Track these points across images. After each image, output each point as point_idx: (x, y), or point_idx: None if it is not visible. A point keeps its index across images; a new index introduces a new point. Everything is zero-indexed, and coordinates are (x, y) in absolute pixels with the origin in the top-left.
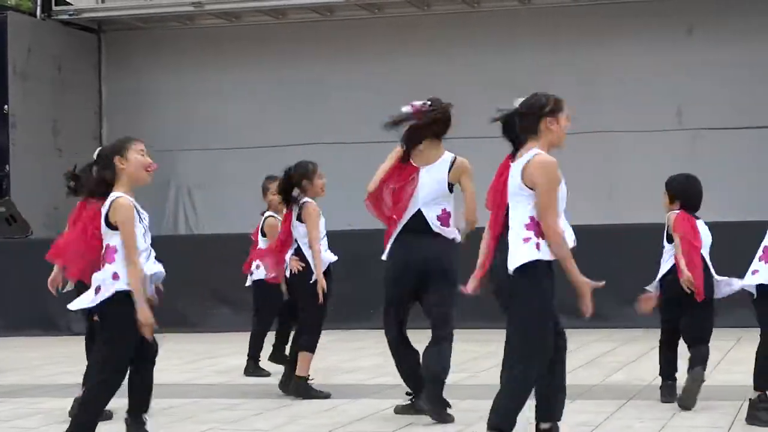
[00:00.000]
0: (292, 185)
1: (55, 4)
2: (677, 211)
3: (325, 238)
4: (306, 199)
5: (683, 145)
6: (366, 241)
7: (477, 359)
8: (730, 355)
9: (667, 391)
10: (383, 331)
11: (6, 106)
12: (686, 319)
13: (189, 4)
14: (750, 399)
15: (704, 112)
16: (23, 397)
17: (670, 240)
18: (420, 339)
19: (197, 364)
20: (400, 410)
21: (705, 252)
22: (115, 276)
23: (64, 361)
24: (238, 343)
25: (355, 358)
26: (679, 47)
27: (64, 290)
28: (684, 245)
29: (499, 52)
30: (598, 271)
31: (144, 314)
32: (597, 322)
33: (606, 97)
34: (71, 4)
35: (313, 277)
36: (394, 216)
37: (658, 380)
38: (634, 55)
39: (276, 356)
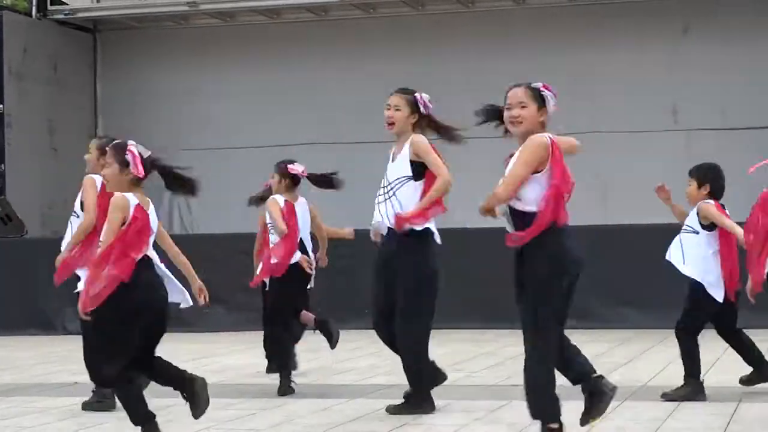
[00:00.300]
0: None
1: (51, 4)
2: (711, 201)
3: None
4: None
5: (678, 145)
6: (363, 241)
7: (474, 359)
8: (725, 356)
9: (702, 389)
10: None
11: (1, 106)
12: (728, 314)
13: (184, 3)
14: None
15: (700, 112)
16: (18, 395)
17: (709, 228)
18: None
19: (192, 363)
20: (392, 410)
21: None
22: None
23: (59, 360)
24: (233, 343)
25: (350, 359)
26: (674, 47)
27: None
28: (724, 232)
29: (494, 52)
30: (592, 271)
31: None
32: (590, 322)
33: (601, 96)
34: (66, 4)
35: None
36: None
37: (656, 380)
38: (630, 54)
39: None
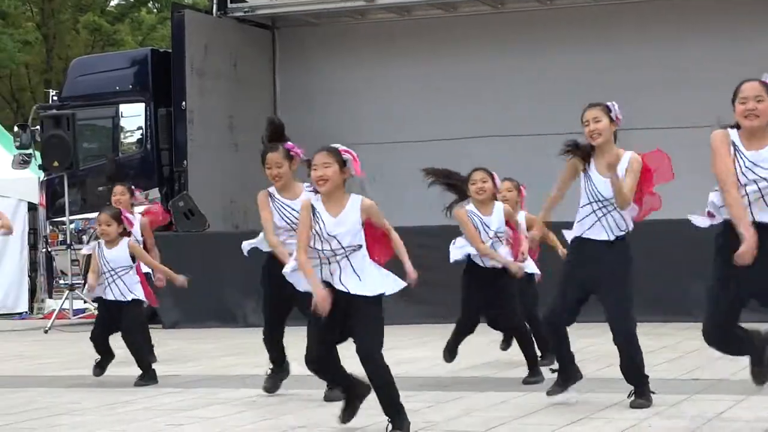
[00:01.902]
0: None
1: (231, 2)
2: None
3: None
4: None
5: None
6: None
7: (654, 353)
8: None
9: None
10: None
11: (184, 103)
12: None
13: None
14: None
15: None
16: (201, 387)
17: None
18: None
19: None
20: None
21: None
22: None
23: (241, 352)
24: (412, 336)
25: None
26: None
27: None
28: None
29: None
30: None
31: None
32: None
33: None
34: (246, 1)
35: None
36: None
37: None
38: None
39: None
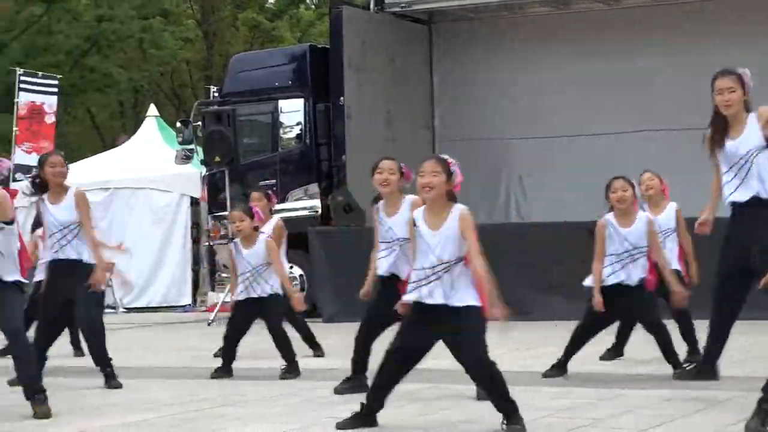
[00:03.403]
0: None
1: None
2: None
3: None
4: None
5: None
6: None
7: None
8: None
9: None
10: None
11: (342, 98)
12: None
13: None
14: None
15: None
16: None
17: None
18: None
19: (530, 352)
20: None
21: None
22: None
23: None
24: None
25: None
26: None
27: None
28: None
29: None
30: None
31: None
32: None
33: None
34: None
35: None
36: None
37: None
38: None
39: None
